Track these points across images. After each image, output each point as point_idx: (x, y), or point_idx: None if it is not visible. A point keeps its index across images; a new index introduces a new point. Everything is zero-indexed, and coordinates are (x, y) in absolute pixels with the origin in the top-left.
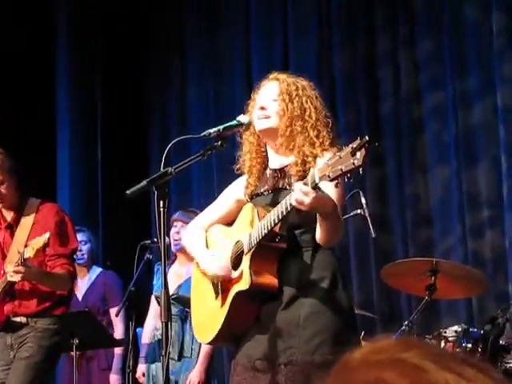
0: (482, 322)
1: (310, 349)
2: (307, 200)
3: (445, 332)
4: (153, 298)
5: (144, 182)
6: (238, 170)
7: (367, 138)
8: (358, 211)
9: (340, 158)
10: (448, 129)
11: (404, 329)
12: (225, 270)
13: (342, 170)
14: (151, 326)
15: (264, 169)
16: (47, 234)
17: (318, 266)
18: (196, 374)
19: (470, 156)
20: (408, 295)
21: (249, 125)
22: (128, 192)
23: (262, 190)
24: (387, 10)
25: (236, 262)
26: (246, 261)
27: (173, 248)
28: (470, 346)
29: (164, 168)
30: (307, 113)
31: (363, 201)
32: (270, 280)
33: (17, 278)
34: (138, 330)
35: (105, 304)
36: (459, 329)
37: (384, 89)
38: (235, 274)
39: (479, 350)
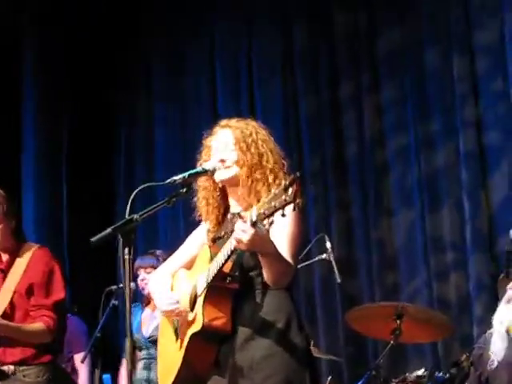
0: (447, 365)
1: None
2: (245, 238)
3: (410, 376)
4: None
5: (109, 230)
6: (199, 216)
7: (298, 174)
8: (324, 256)
9: (275, 194)
10: (411, 173)
11: (370, 373)
12: (170, 306)
13: (275, 206)
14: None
15: (223, 212)
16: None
17: (272, 307)
18: None
19: (434, 199)
20: (374, 339)
21: (214, 172)
22: (93, 240)
23: (222, 233)
24: (350, 55)
25: (193, 305)
26: (199, 302)
27: (143, 292)
28: None
29: (129, 215)
30: (264, 158)
31: (328, 245)
32: (222, 321)
33: None
34: (104, 376)
35: (69, 350)
36: (424, 373)
37: (348, 133)
38: (191, 317)
39: None
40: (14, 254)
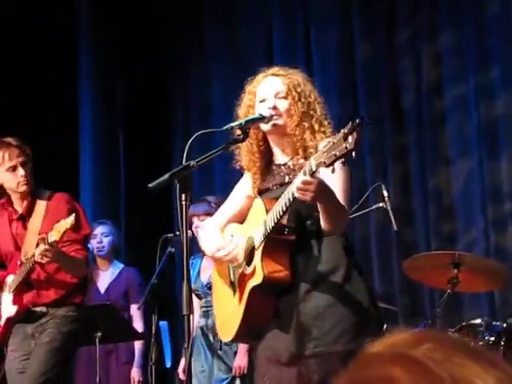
0: (504, 315)
1: (331, 339)
2: (310, 188)
3: (467, 325)
4: None
5: (166, 176)
6: (241, 167)
7: (357, 121)
8: (380, 204)
9: (333, 143)
10: (470, 121)
11: (426, 322)
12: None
13: (335, 155)
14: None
15: (266, 163)
16: (72, 217)
17: (331, 256)
18: (238, 358)
19: (493, 148)
20: (430, 288)
21: (271, 119)
22: (150, 185)
23: (270, 185)
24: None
25: (250, 258)
26: (257, 255)
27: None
28: (492, 339)
29: (186, 161)
30: (312, 107)
31: (385, 194)
32: (282, 273)
33: (45, 259)
34: (160, 323)
35: (126, 300)
36: (482, 322)
37: (405, 81)
38: (249, 270)
39: (502, 343)
40: (33, 199)
